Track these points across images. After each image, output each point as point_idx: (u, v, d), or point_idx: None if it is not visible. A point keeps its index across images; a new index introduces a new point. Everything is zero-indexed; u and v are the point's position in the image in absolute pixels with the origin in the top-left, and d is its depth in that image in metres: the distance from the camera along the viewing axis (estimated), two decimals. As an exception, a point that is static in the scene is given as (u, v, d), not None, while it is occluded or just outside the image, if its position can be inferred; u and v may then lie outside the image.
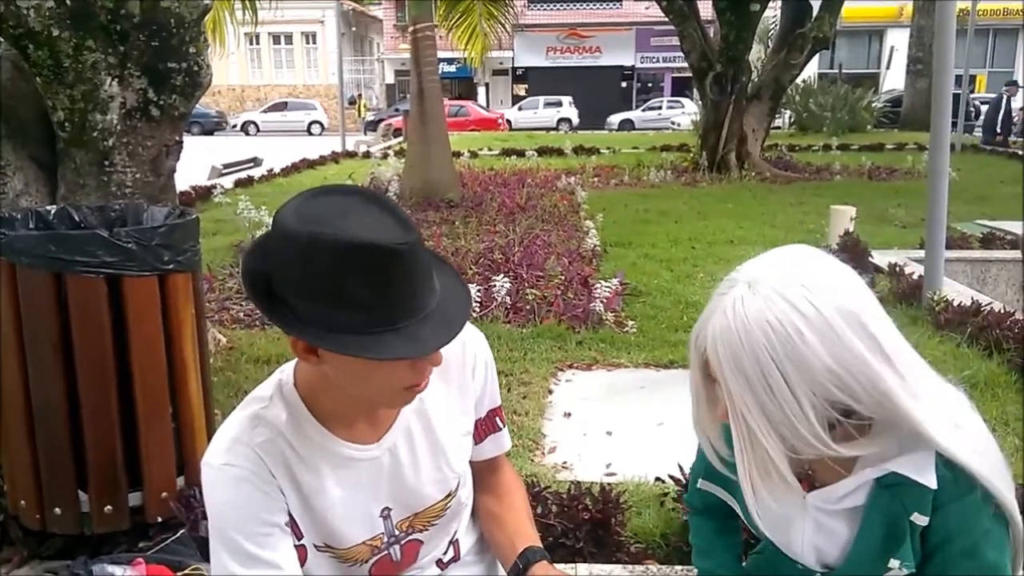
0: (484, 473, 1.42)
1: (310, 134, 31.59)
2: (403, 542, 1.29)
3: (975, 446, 1.07)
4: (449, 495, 1.31)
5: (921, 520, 1.08)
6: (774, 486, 1.08)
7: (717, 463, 1.22)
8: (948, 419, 1.07)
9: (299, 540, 1.20)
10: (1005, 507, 1.07)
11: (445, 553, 1.37)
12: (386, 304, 1.02)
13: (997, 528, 1.07)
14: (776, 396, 1.01)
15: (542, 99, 33.02)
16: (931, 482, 1.06)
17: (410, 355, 1.06)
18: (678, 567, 2.33)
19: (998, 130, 17.81)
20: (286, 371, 1.23)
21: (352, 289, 1.00)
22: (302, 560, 1.20)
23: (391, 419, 1.24)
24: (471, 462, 1.38)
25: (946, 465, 1.05)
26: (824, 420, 1.03)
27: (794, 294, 1.01)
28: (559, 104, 32.57)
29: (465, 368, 1.31)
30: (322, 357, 1.08)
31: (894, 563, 1.10)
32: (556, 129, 29.59)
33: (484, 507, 1.43)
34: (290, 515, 1.18)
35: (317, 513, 1.20)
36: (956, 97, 11.82)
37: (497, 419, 1.40)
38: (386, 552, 1.28)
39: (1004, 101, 17.92)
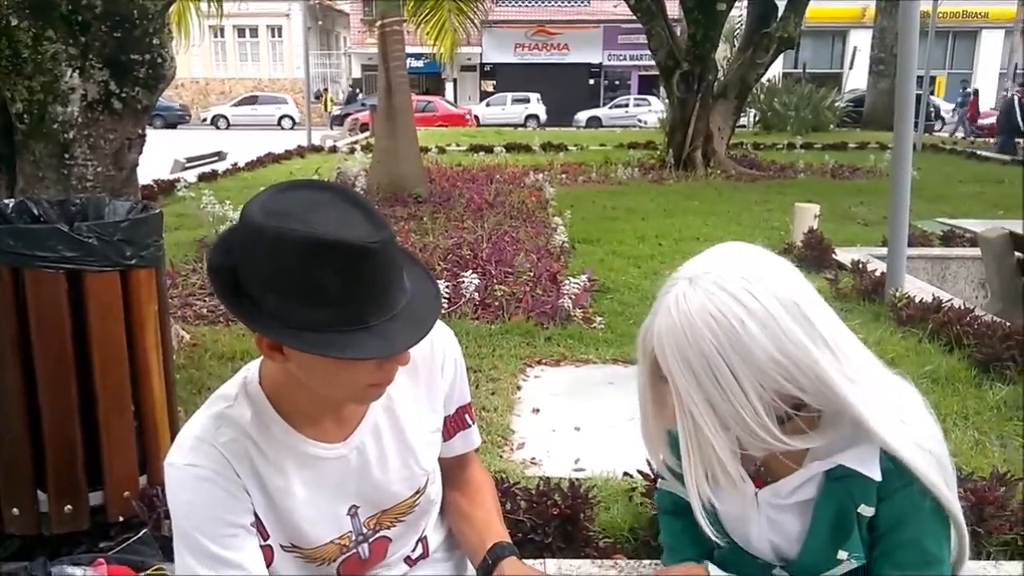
0: (453, 470, 1.42)
1: (281, 128, 31.23)
2: (371, 540, 1.28)
3: (917, 441, 1.08)
4: (417, 492, 1.30)
5: (867, 511, 1.10)
6: (719, 484, 1.09)
7: (664, 472, 1.23)
8: (891, 412, 1.08)
9: (265, 540, 1.18)
10: (944, 504, 1.08)
11: (414, 550, 1.36)
12: (356, 302, 1.01)
13: (937, 522, 1.09)
14: (723, 388, 1.02)
15: (510, 95, 33.01)
16: (875, 474, 1.08)
17: (379, 355, 1.04)
18: (646, 561, 2.34)
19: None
20: (251, 369, 1.21)
21: (321, 287, 0.99)
22: (268, 560, 1.18)
23: (358, 417, 1.23)
24: (440, 459, 1.37)
25: (889, 458, 1.07)
26: (773, 413, 1.04)
27: (734, 286, 1.03)
28: (527, 101, 32.58)
29: (434, 365, 1.30)
30: (288, 355, 1.06)
31: (843, 554, 1.12)
32: (524, 126, 29.60)
33: (453, 504, 1.42)
34: (256, 515, 1.16)
35: (283, 513, 1.18)
36: (917, 98, 12.06)
37: (466, 416, 1.39)
38: (354, 551, 1.26)
39: (1018, 103, 16.41)
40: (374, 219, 1.03)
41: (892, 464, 1.07)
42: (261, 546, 1.17)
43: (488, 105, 32.99)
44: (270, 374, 1.17)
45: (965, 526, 1.13)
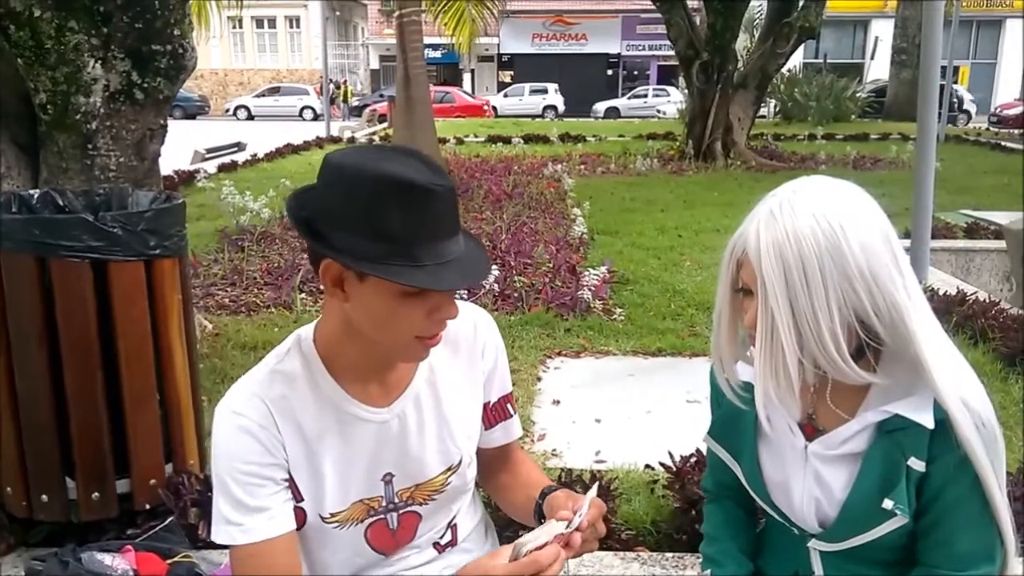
0: (496, 461, 1.43)
1: (302, 119, 31.25)
2: (401, 511, 1.29)
3: (964, 398, 1.10)
4: (450, 469, 1.31)
5: (918, 465, 1.12)
6: (780, 394, 1.11)
7: (728, 392, 1.25)
8: (949, 359, 1.11)
9: (298, 502, 1.21)
10: (980, 473, 1.09)
11: (443, 536, 1.37)
12: (417, 239, 1.07)
13: (980, 487, 1.10)
14: (810, 290, 1.06)
15: (528, 86, 32.92)
16: (928, 422, 1.10)
17: (434, 287, 1.09)
18: (669, 554, 2.33)
19: None
20: (306, 329, 1.26)
21: (387, 221, 1.06)
22: (300, 522, 1.22)
23: (403, 385, 1.26)
24: (483, 450, 1.38)
25: (943, 410, 1.10)
26: (846, 331, 1.07)
27: (840, 199, 1.09)
28: (545, 91, 32.47)
29: (475, 347, 1.34)
30: (348, 293, 1.12)
31: (888, 503, 1.13)
32: (542, 116, 29.52)
33: (498, 483, 1.44)
34: (290, 475, 1.20)
35: (319, 469, 1.21)
36: (940, 88, 11.78)
37: (508, 405, 1.41)
38: (383, 517, 1.28)
39: None
40: (438, 171, 1.11)
41: (943, 417, 1.09)
42: (294, 507, 1.21)
43: (506, 96, 32.88)
44: (324, 332, 1.22)
45: (1006, 512, 1.13)
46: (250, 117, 31.60)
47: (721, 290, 1.19)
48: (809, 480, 1.21)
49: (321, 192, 1.11)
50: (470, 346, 1.33)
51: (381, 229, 1.06)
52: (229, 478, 1.16)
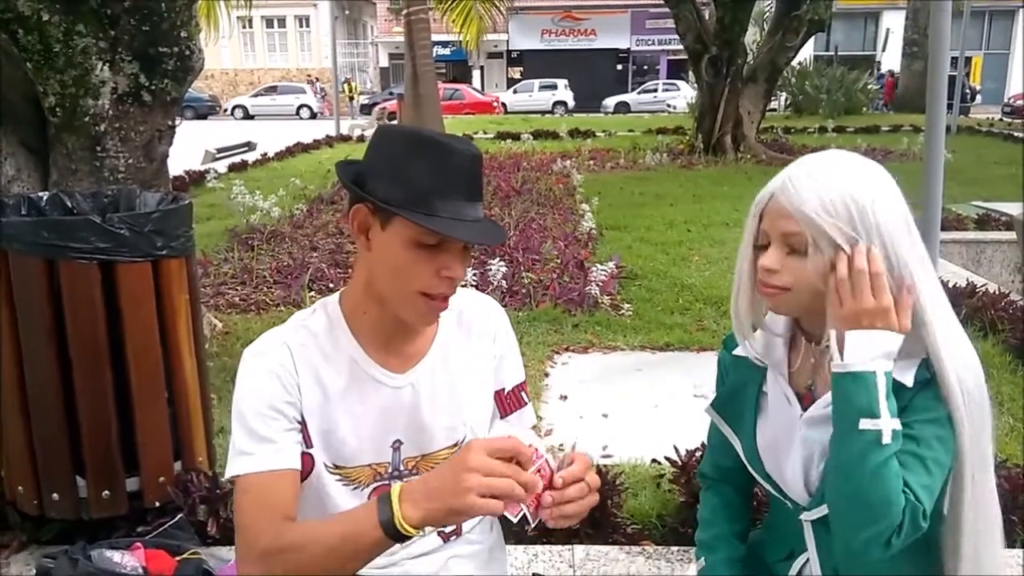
0: None
1: (299, 118, 31.23)
2: (405, 479, 1.31)
3: (956, 368, 1.13)
4: (456, 445, 1.34)
5: None
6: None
7: (743, 344, 1.29)
8: (952, 332, 1.15)
9: (308, 448, 1.25)
10: (955, 426, 1.12)
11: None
12: (437, 192, 1.16)
13: (945, 429, 1.13)
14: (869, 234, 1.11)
15: (537, 82, 32.86)
16: (908, 381, 1.14)
17: (447, 234, 1.16)
18: (674, 548, 2.34)
19: None
20: (333, 295, 1.34)
21: (412, 171, 1.16)
22: (308, 468, 1.26)
23: (420, 356, 1.32)
24: None
25: (928, 368, 1.14)
26: None
27: (870, 163, 1.17)
28: (554, 87, 32.41)
29: (487, 331, 1.40)
30: (371, 240, 1.21)
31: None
32: (551, 112, 29.50)
33: None
34: (303, 419, 1.25)
35: (332, 419, 1.26)
36: (952, 79, 11.68)
37: (523, 394, 1.44)
38: (387, 483, 1.31)
39: None
40: (469, 144, 1.23)
41: (927, 376, 1.14)
42: (303, 452, 1.25)
43: (515, 92, 32.84)
44: (349, 294, 1.30)
45: (972, 490, 1.15)
46: (247, 116, 31.46)
47: (745, 243, 1.23)
48: (798, 444, 1.24)
49: (367, 152, 1.24)
50: (482, 331, 1.39)
51: (406, 178, 1.17)
52: (247, 410, 1.22)
